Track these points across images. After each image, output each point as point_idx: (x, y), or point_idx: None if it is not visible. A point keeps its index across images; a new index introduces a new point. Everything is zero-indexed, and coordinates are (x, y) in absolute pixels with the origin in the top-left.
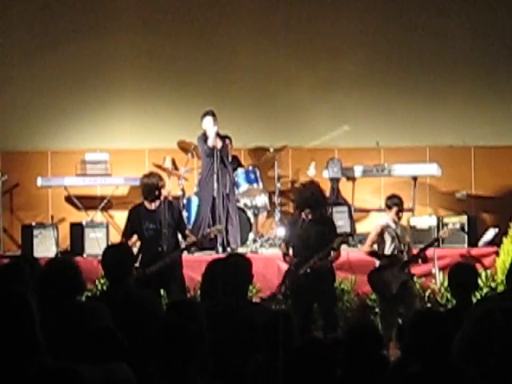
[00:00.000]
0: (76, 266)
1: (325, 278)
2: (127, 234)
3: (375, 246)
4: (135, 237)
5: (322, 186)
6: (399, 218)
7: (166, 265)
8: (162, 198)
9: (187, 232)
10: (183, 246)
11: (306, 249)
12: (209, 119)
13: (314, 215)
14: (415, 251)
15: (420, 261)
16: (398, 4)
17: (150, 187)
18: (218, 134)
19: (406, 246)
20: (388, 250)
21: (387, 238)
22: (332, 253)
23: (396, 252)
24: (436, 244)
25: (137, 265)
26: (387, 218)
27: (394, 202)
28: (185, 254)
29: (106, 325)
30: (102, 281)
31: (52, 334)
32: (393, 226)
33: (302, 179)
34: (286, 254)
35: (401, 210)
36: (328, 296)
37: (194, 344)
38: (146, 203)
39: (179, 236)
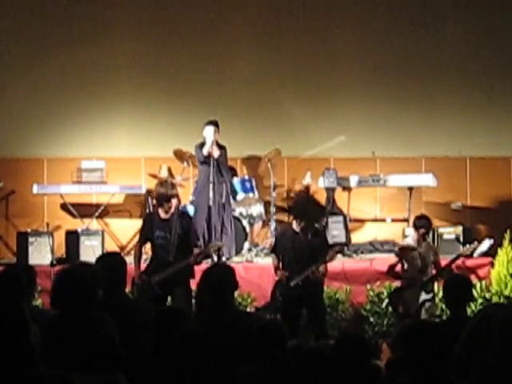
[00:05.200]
0: (92, 277)
1: (316, 289)
2: (141, 240)
3: (399, 266)
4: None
5: (317, 197)
6: (424, 239)
7: (171, 274)
8: (174, 207)
9: (198, 243)
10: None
11: (298, 261)
12: (209, 128)
13: (307, 226)
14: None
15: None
16: (394, 15)
17: (160, 196)
18: (217, 144)
19: (430, 265)
20: (410, 270)
21: (409, 259)
22: (321, 267)
23: (417, 272)
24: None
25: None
26: (410, 238)
27: (422, 224)
28: None
29: (106, 334)
30: None
31: (54, 342)
32: (414, 246)
33: (297, 189)
34: (278, 268)
35: (427, 232)
36: (318, 308)
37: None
38: (160, 211)
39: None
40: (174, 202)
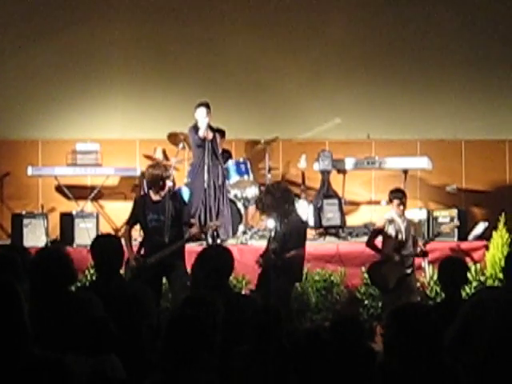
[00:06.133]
0: (67, 256)
1: (279, 275)
2: (130, 222)
3: (379, 239)
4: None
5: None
6: (402, 212)
7: (166, 255)
8: (166, 189)
9: (193, 221)
10: (185, 237)
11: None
12: (202, 110)
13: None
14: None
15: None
16: None
17: (155, 178)
18: (209, 126)
19: (411, 239)
20: (388, 245)
21: (391, 232)
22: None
23: (397, 246)
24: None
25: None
26: (393, 211)
27: (395, 196)
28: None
29: (99, 315)
30: (92, 271)
31: (43, 325)
32: (398, 219)
33: (292, 171)
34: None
35: (401, 203)
36: (278, 293)
37: (204, 338)
38: (151, 194)
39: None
40: (167, 183)
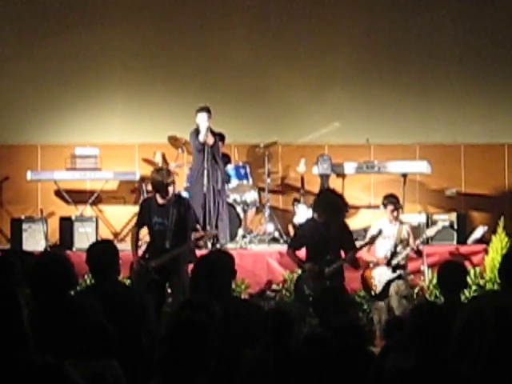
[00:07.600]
0: (67, 260)
1: (339, 281)
2: (138, 224)
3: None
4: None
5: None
6: (395, 217)
7: (167, 261)
8: (170, 194)
9: (197, 227)
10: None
11: (323, 253)
12: (202, 115)
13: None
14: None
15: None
16: (388, 2)
17: (157, 183)
18: (211, 131)
19: (402, 245)
20: (381, 251)
21: (380, 239)
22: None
23: (387, 252)
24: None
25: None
26: (383, 218)
27: (389, 201)
28: None
29: (99, 320)
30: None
31: (43, 329)
32: (385, 226)
33: (291, 175)
34: (301, 262)
35: (396, 209)
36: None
37: (205, 342)
38: (158, 197)
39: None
40: (170, 189)
